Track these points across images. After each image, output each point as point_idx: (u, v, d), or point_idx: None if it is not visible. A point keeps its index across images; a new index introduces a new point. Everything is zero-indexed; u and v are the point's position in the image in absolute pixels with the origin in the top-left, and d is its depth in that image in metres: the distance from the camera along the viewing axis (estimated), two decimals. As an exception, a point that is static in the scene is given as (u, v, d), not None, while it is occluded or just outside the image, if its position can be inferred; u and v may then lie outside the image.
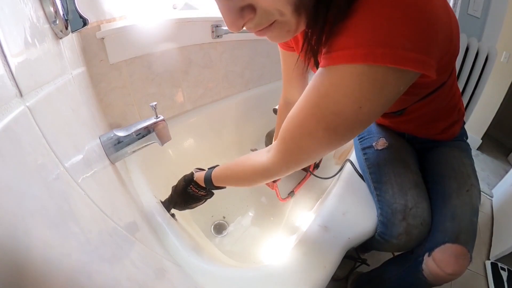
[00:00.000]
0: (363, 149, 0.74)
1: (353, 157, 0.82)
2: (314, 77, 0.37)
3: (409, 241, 0.58)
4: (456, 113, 0.65)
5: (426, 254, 0.55)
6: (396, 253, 0.74)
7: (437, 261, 0.52)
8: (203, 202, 0.66)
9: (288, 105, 0.76)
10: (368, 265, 0.84)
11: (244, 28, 0.34)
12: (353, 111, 0.33)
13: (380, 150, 0.69)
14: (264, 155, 0.49)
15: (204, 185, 0.61)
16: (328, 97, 0.34)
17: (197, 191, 0.62)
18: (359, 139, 0.77)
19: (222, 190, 0.63)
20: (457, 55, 0.44)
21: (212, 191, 0.63)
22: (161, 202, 0.68)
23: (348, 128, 0.36)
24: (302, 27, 0.35)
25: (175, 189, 0.66)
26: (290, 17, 0.31)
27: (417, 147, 0.73)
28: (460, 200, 0.59)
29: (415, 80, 0.34)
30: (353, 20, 0.30)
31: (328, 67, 0.33)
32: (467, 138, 0.75)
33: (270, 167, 0.47)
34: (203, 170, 0.64)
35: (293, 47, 0.61)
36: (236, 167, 0.55)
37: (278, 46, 0.66)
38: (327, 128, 0.36)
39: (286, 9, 0.30)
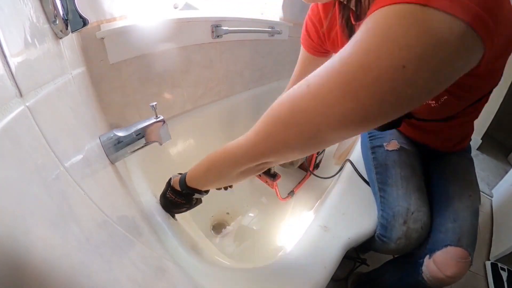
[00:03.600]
0: (372, 147, 0.73)
1: (353, 157, 0.82)
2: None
3: (408, 245, 0.58)
4: (472, 128, 0.66)
5: (427, 257, 0.55)
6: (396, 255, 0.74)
7: (438, 263, 0.52)
8: (185, 210, 0.60)
9: None
10: (367, 265, 0.84)
11: None
12: (393, 70, 0.24)
13: (390, 151, 0.68)
14: (240, 138, 0.41)
15: (179, 190, 0.55)
16: (360, 50, 0.26)
17: (174, 197, 0.56)
18: (369, 137, 0.76)
19: (221, 190, 0.62)
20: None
21: (194, 197, 0.57)
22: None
23: (376, 98, 0.25)
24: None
25: (162, 192, 0.61)
26: None
27: (425, 154, 0.73)
28: (462, 204, 0.59)
29: (471, 81, 0.30)
30: None
31: (366, 19, 0.26)
32: (471, 149, 0.76)
33: (243, 151, 0.40)
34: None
35: (322, 52, 0.61)
36: (209, 159, 0.48)
37: (303, 49, 0.65)
38: (349, 92, 0.26)
39: None
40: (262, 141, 0.37)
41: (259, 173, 1.02)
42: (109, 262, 0.27)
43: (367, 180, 0.73)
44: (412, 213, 0.57)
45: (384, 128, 0.41)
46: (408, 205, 0.58)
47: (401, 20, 0.23)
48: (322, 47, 0.63)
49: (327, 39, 0.61)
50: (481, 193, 1.41)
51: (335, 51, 0.60)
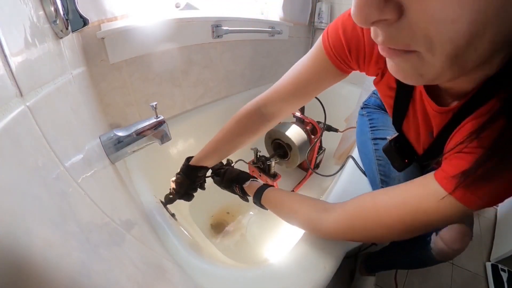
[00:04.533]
0: (374, 139, 0.72)
1: (354, 154, 0.82)
2: (421, 181, 0.37)
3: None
4: None
5: (434, 234, 0.57)
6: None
7: (444, 239, 0.55)
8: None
9: (260, 115, 0.59)
10: (376, 245, 0.87)
11: (372, 28, 0.23)
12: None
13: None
14: (323, 213, 0.48)
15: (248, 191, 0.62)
16: (426, 216, 0.35)
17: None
18: (370, 129, 0.75)
19: (221, 190, 0.65)
20: None
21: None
22: (161, 201, 0.68)
23: (428, 226, 0.37)
24: (449, 85, 0.33)
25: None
26: (438, 61, 0.22)
27: None
28: None
29: None
30: None
31: (442, 190, 0.33)
32: None
33: (324, 230, 0.48)
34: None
35: (347, 69, 0.46)
36: (291, 202, 0.55)
37: (324, 51, 0.45)
38: (410, 229, 0.38)
39: (441, 45, 0.20)
40: (341, 235, 0.48)
41: (259, 173, 1.02)
42: (109, 262, 0.27)
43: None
44: None
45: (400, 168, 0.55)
46: None
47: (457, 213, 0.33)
48: (349, 66, 0.46)
49: (367, 64, 0.43)
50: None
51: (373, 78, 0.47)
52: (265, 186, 0.61)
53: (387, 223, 0.39)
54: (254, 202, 0.61)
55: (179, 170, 0.66)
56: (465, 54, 0.20)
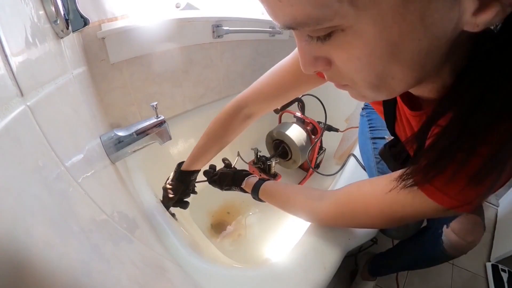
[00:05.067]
0: (373, 138, 0.73)
1: (356, 153, 0.82)
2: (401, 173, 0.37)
3: (406, 233, 0.60)
4: None
5: (444, 226, 0.56)
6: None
7: (456, 230, 0.53)
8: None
9: (243, 116, 0.62)
10: (376, 244, 0.88)
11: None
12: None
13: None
14: (318, 201, 0.50)
15: (246, 189, 0.63)
16: (402, 208, 0.37)
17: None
18: (369, 129, 0.76)
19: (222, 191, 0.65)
20: None
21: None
22: (161, 201, 0.68)
23: (406, 219, 0.39)
24: (416, 93, 0.34)
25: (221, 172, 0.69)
26: (364, 90, 0.28)
27: None
28: None
29: None
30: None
31: (421, 193, 0.34)
32: None
33: (319, 217, 0.51)
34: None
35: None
36: (288, 192, 0.56)
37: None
38: (390, 219, 0.40)
39: (361, 80, 0.26)
40: (332, 222, 0.52)
41: (260, 173, 1.02)
42: (109, 262, 0.27)
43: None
44: None
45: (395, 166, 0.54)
46: None
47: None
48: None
49: None
50: (487, 203, 1.40)
51: None
52: (261, 180, 0.62)
53: (370, 212, 0.41)
54: (253, 198, 0.62)
55: (170, 178, 0.68)
56: (387, 79, 0.25)
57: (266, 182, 0.61)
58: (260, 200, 0.61)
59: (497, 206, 1.43)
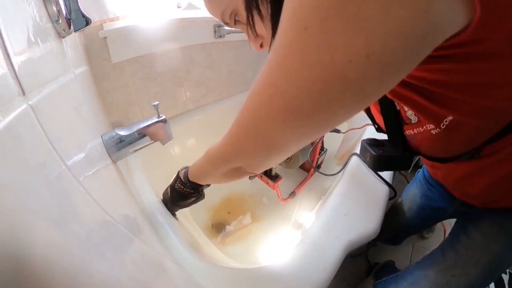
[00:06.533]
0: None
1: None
2: None
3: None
4: None
5: None
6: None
7: None
8: (193, 202, 0.61)
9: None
10: (376, 244, 0.85)
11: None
12: (295, 34, 0.19)
13: None
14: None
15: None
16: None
17: (183, 187, 0.57)
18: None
19: (222, 190, 0.62)
20: None
21: (200, 189, 0.59)
22: (167, 206, 0.67)
23: (290, 77, 0.22)
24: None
25: (167, 187, 0.62)
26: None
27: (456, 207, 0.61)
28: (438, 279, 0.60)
29: (485, 76, 0.22)
30: None
31: None
32: None
33: (220, 149, 0.42)
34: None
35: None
36: (205, 154, 0.48)
37: None
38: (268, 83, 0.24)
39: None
40: (230, 145, 0.38)
41: (260, 175, 1.02)
42: (109, 261, 0.27)
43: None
44: None
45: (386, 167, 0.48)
46: None
47: None
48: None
49: None
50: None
51: None
52: (184, 168, 0.57)
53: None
54: (192, 186, 0.56)
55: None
56: None
57: (192, 164, 0.55)
58: (199, 185, 0.55)
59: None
